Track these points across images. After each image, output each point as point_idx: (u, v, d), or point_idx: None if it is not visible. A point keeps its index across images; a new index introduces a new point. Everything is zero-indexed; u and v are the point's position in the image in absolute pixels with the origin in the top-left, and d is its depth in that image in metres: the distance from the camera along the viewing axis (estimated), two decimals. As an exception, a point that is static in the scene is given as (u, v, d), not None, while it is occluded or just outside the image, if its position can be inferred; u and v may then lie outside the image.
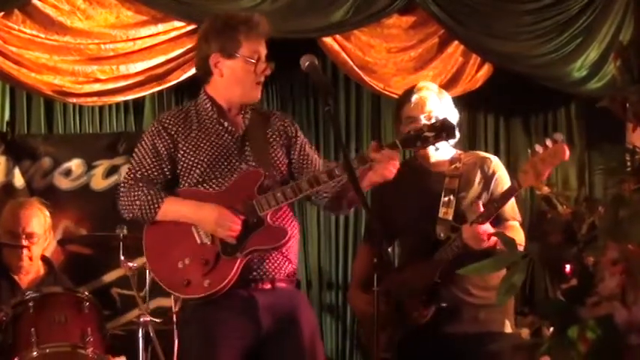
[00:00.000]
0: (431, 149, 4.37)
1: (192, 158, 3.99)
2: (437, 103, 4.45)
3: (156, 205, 3.96)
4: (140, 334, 5.45)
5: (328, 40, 6.77)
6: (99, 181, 6.53)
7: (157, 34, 6.57)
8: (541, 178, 4.12)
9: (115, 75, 6.51)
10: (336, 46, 6.84)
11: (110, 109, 6.86)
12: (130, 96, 6.64)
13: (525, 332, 5.43)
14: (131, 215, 4.04)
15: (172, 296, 4.17)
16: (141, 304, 5.58)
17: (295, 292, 4.12)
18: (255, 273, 3.95)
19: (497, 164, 4.52)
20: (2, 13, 6.25)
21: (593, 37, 7.00)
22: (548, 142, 4.03)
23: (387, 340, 4.43)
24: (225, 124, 4.04)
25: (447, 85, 6.73)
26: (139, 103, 6.91)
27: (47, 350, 4.87)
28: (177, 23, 6.60)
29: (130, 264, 5.62)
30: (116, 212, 6.02)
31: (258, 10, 6.50)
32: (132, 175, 4.03)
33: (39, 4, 6.34)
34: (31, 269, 5.55)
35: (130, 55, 6.54)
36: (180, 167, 4.01)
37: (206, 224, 3.93)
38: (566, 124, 7.44)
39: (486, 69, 7.07)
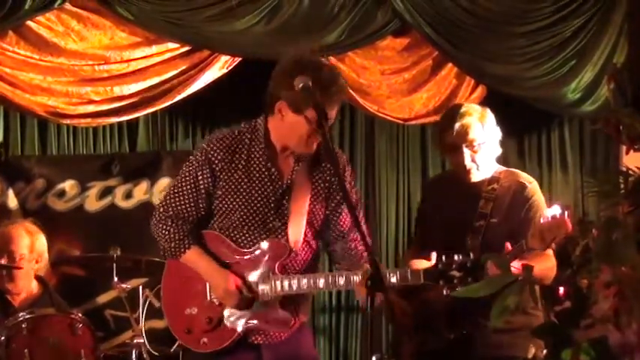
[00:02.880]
0: (474, 167, 4.43)
1: (228, 203, 3.92)
2: (479, 130, 4.42)
3: (178, 253, 3.95)
4: (134, 356, 5.45)
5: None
6: (93, 203, 6.52)
7: (151, 55, 6.57)
8: (545, 246, 4.10)
9: (109, 96, 6.51)
10: (330, 68, 6.83)
11: (104, 131, 6.86)
12: (124, 117, 6.64)
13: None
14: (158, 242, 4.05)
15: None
16: (134, 326, 5.57)
17: (300, 330, 4.08)
18: (260, 338, 3.96)
19: (533, 189, 4.49)
20: (-4, 35, 6.28)
21: (587, 59, 7.00)
22: (554, 212, 4.02)
23: (414, 349, 4.43)
24: (272, 169, 3.94)
25: (440, 107, 6.74)
26: (132, 125, 6.91)
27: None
28: (171, 45, 6.60)
29: (124, 285, 5.62)
30: (110, 233, 5.98)
31: (252, 31, 6.51)
32: (165, 207, 3.97)
33: (33, 26, 6.35)
34: (20, 289, 5.51)
35: (124, 76, 6.54)
36: (215, 206, 3.95)
37: (215, 290, 3.93)
38: (560, 146, 7.43)
39: (480, 91, 7.06)
